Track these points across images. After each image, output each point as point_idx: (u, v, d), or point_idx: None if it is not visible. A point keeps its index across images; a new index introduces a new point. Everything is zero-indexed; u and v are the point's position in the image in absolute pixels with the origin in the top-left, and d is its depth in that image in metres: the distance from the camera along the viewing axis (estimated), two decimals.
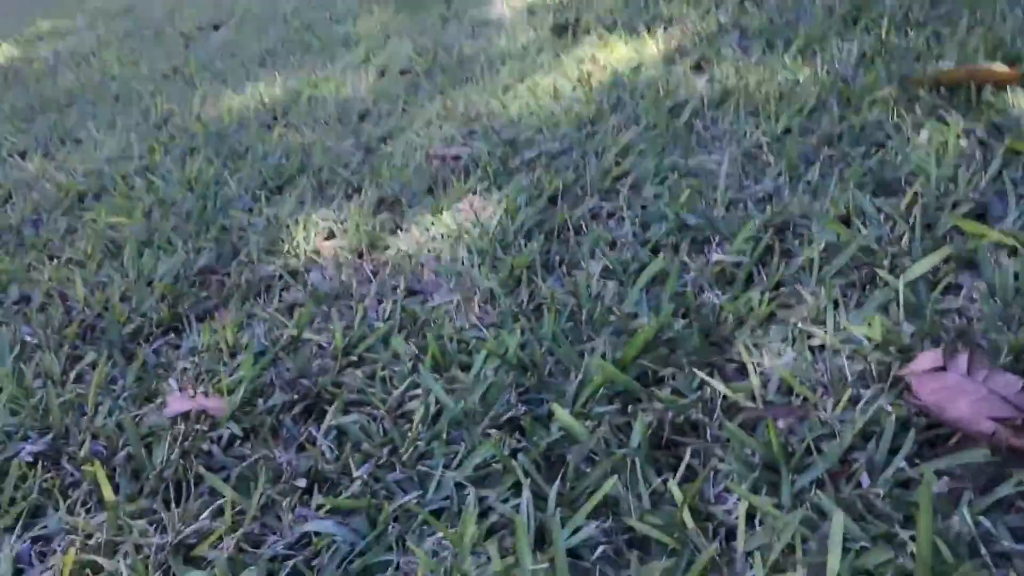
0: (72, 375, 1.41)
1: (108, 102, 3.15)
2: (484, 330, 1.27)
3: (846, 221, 1.32)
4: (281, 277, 1.60)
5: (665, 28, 2.35)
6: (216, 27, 3.94)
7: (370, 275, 1.54)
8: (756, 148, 1.59)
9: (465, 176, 1.80)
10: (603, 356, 1.11)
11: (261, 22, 3.78)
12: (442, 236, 1.58)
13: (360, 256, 1.62)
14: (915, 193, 1.28)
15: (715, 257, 1.28)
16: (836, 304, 1.14)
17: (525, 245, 1.46)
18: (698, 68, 2.07)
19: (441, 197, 1.72)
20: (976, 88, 1.52)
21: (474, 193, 1.72)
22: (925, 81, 1.57)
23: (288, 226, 1.75)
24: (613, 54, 2.24)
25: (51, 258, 1.94)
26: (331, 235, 1.72)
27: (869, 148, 1.48)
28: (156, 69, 3.45)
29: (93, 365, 1.45)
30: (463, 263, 1.47)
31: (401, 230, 1.67)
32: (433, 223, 1.63)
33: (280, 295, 1.54)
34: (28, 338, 1.57)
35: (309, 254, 1.65)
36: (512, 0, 2.97)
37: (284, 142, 2.24)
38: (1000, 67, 1.52)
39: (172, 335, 1.50)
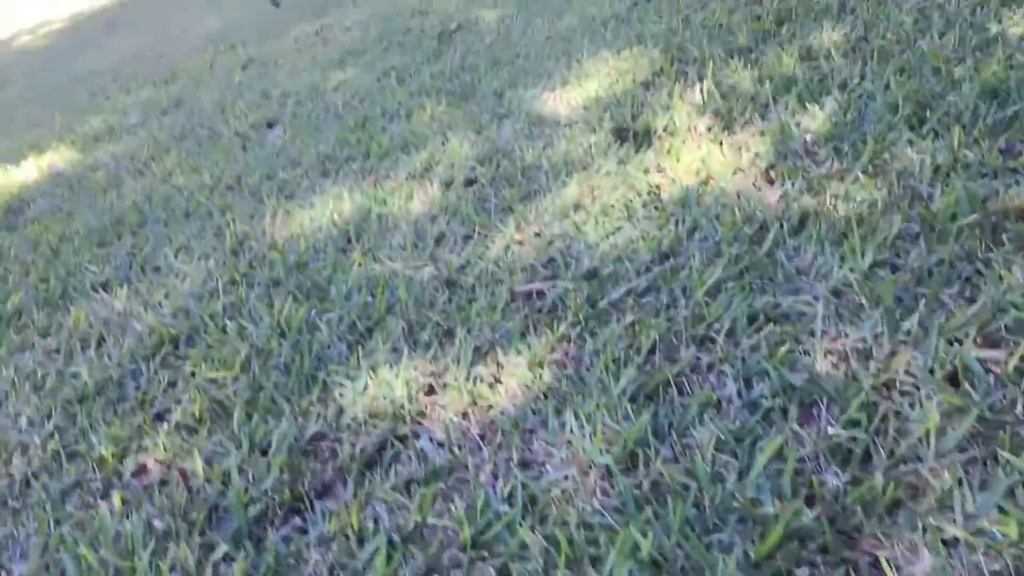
0: (208, 570, 1.47)
1: (178, 219, 3.24)
2: (608, 515, 1.31)
3: (954, 380, 1.34)
4: (391, 445, 1.65)
5: (725, 128, 2.38)
6: (270, 125, 4.03)
7: (479, 441, 1.58)
8: (845, 286, 1.62)
9: (554, 321, 1.84)
10: (736, 558, 1.15)
11: (313, 119, 3.87)
12: (544, 395, 1.62)
13: (465, 416, 1.66)
14: (1021, 355, 1.30)
15: (830, 431, 1.31)
16: (960, 483, 1.17)
17: (631, 408, 1.49)
18: (767, 178, 2.10)
19: (535, 346, 1.77)
20: None
21: (568, 341, 1.76)
22: (1010, 211, 1.59)
23: (388, 382, 1.80)
24: (680, 163, 2.28)
25: (158, 418, 2.01)
26: (431, 390, 1.78)
27: (962, 288, 1.51)
28: (219, 178, 3.54)
29: (225, 556, 1.51)
30: (571, 431, 1.51)
31: (499, 383, 1.72)
32: (533, 380, 1.67)
33: (394, 467, 1.59)
34: (157, 523, 1.63)
35: (414, 416, 1.70)
36: (566, 94, 3.02)
37: (364, 273, 2.30)
38: None
39: (296, 518, 1.56)
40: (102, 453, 1.90)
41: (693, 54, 2.94)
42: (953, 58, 2.27)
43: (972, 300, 1.48)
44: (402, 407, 1.74)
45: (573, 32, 3.72)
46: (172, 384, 2.14)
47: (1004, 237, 1.57)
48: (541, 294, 1.96)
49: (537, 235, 2.23)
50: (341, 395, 1.84)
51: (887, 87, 2.27)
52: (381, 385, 1.81)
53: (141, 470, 1.85)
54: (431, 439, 1.64)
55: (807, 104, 2.31)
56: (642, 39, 3.27)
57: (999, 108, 1.97)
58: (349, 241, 2.58)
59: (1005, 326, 1.39)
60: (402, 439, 1.67)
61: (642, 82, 2.89)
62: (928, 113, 2.07)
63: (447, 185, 2.72)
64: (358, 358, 1.94)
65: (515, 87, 3.30)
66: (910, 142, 1.98)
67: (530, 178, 2.53)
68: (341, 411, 1.79)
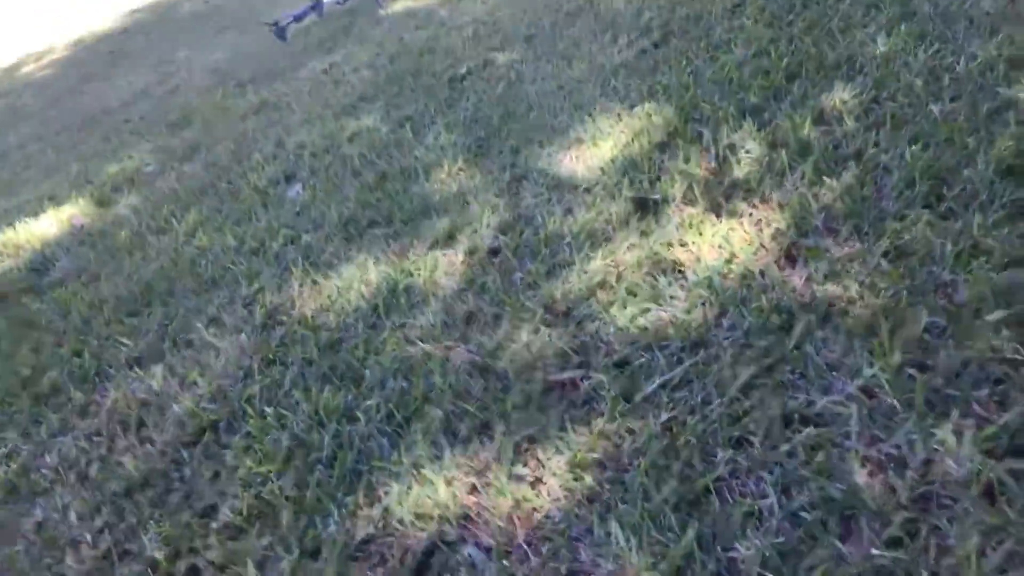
0: None
1: (206, 287, 3.30)
2: None
3: (990, 494, 1.39)
4: (439, 551, 1.71)
5: (744, 199, 2.43)
6: (288, 178, 4.09)
7: (526, 549, 1.64)
8: (876, 387, 1.67)
9: (590, 414, 1.89)
10: None
11: (331, 175, 3.93)
12: (587, 500, 1.68)
13: (509, 519, 1.72)
14: None
15: (873, 551, 1.36)
16: None
17: (675, 519, 1.55)
18: (789, 256, 2.15)
19: (574, 443, 1.82)
20: None
21: (606, 438, 1.81)
22: None
23: (432, 481, 1.86)
24: (702, 237, 2.33)
25: (205, 515, 2.07)
26: (474, 489, 1.83)
27: (992, 390, 1.55)
28: (243, 240, 3.60)
29: None
30: (617, 541, 1.56)
31: (542, 483, 1.77)
32: (575, 481, 1.73)
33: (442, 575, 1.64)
34: None
35: (459, 518, 1.76)
36: (582, 153, 3.07)
37: (397, 355, 2.36)
38: None
39: None
40: (155, 556, 1.96)
41: (707, 112, 2.99)
42: (966, 127, 2.31)
43: (1002, 404, 1.52)
44: (447, 508, 1.79)
45: (584, 82, 3.77)
46: (216, 475, 2.20)
47: None
48: (575, 384, 2.02)
49: (565, 315, 2.29)
50: (386, 494, 1.89)
51: (902, 157, 2.32)
52: (425, 485, 1.86)
53: (195, 574, 1.91)
54: (478, 545, 1.69)
55: (824, 176, 2.36)
56: (654, 93, 3.32)
57: (1016, 187, 2.02)
58: (379, 316, 2.63)
59: None
60: (449, 544, 1.72)
61: (657, 143, 2.94)
62: (945, 190, 2.12)
63: (471, 254, 2.77)
64: (400, 453, 1.99)
65: (530, 144, 3.35)
66: (929, 224, 2.03)
67: (553, 250, 2.58)
68: (387, 512, 1.85)
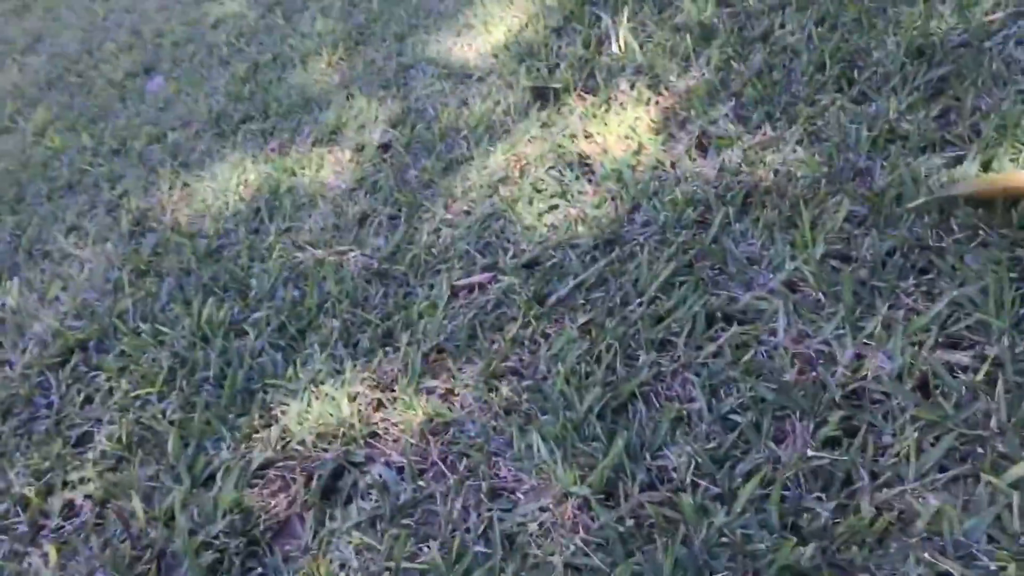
0: None
1: (62, 192, 3.00)
2: (593, 556, 1.28)
3: (924, 389, 1.35)
4: (347, 471, 1.58)
5: (649, 86, 2.31)
6: (148, 72, 3.75)
7: (441, 466, 1.53)
8: (800, 280, 1.60)
9: (502, 321, 1.78)
10: None
11: (197, 65, 3.61)
12: (505, 412, 1.57)
13: (422, 436, 1.60)
14: (992, 361, 1.31)
15: (809, 453, 1.30)
16: (945, 512, 1.18)
17: (600, 428, 1.46)
18: (701, 147, 2.05)
19: (487, 352, 1.71)
20: (1011, 204, 1.54)
21: (520, 345, 1.70)
22: (957, 197, 1.59)
23: (334, 398, 1.72)
24: (607, 128, 2.20)
25: (79, 443, 1.88)
26: (380, 405, 1.70)
27: (919, 281, 1.50)
28: (100, 139, 3.28)
29: None
30: (539, 452, 1.47)
31: (454, 395, 1.66)
32: (490, 393, 1.62)
33: (355, 501, 1.52)
34: None
35: (366, 437, 1.63)
36: (473, 40, 2.88)
37: (286, 262, 2.18)
38: None
39: (256, 566, 1.49)
40: (24, 492, 1.77)
41: None
42: (872, 8, 2.23)
43: (930, 295, 1.48)
44: (352, 426, 1.66)
45: None
46: (88, 400, 2.00)
47: (954, 224, 1.57)
48: (483, 288, 1.89)
49: (467, 213, 2.14)
50: (283, 413, 1.75)
51: (809, 39, 2.23)
52: (326, 402, 1.72)
53: (70, 510, 1.74)
54: (388, 464, 1.58)
55: (731, 61, 2.26)
56: None
57: (929, 69, 1.95)
58: (261, 220, 2.43)
59: (968, 327, 1.40)
60: (357, 465, 1.59)
61: (554, 28, 2.78)
62: (856, 73, 2.05)
63: (359, 151, 2.58)
64: (295, 369, 1.84)
65: (416, 30, 3.14)
66: (842, 108, 1.95)
67: (449, 144, 2.42)
68: (285, 433, 1.71)
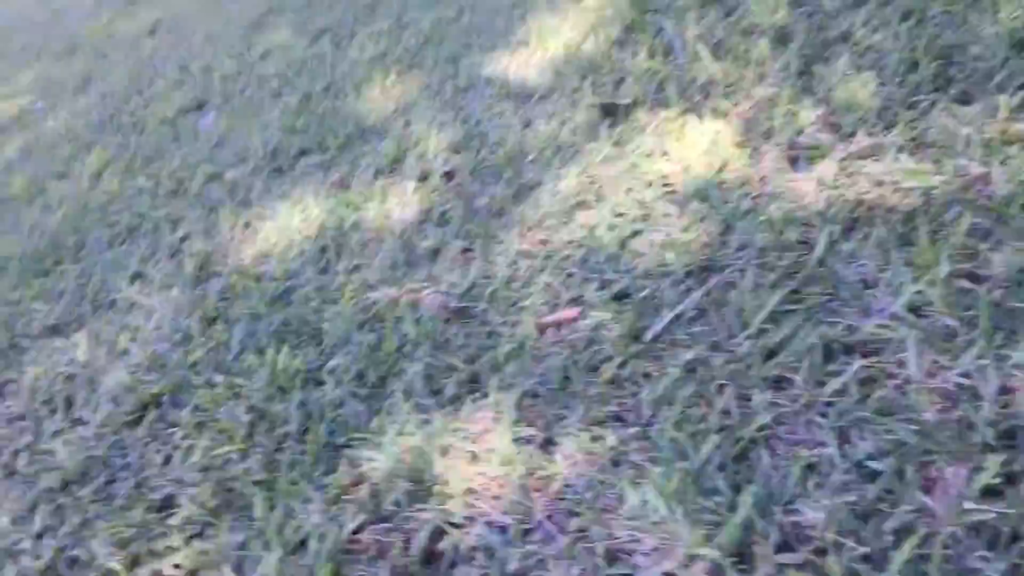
0: None
1: (122, 238, 2.96)
2: None
3: None
4: (446, 535, 1.48)
5: (725, 97, 2.19)
6: (200, 107, 3.70)
7: (550, 527, 1.42)
8: (926, 305, 1.47)
9: (596, 360, 1.67)
10: None
11: (248, 99, 3.56)
12: (611, 464, 1.47)
13: (523, 490, 1.50)
14: None
15: (967, 505, 1.17)
16: None
17: (722, 482, 1.34)
18: (791, 160, 1.93)
19: (583, 396, 1.60)
20: None
21: (619, 386, 1.59)
22: None
23: (424, 452, 1.62)
24: (684, 143, 2.09)
25: (162, 508, 1.81)
26: (474, 458, 1.60)
27: None
28: (157, 180, 3.24)
29: None
30: (656, 508, 1.36)
31: (554, 445, 1.56)
32: (592, 438, 1.51)
33: (457, 566, 1.43)
34: None
35: (463, 495, 1.53)
36: (531, 56, 2.78)
37: (359, 304, 2.09)
38: None
39: None
40: (110, 565, 1.70)
41: (664, 1, 2.71)
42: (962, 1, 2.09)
43: None
44: (447, 483, 1.56)
45: None
46: (167, 460, 1.93)
47: None
48: (573, 320, 1.78)
49: (544, 243, 2.04)
50: (372, 470, 1.66)
51: (896, 37, 2.10)
52: (415, 457, 1.63)
53: None
54: (490, 524, 1.47)
55: (812, 65, 2.13)
56: None
57: None
58: (328, 259, 2.35)
59: None
60: (457, 526, 1.50)
61: (615, 40, 2.67)
62: (954, 71, 1.91)
63: (423, 180, 2.49)
64: (380, 420, 1.75)
65: (470, 50, 3.05)
66: (946, 110, 1.82)
67: (518, 169, 2.32)
68: (376, 494, 1.61)
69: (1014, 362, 1.32)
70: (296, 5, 4.36)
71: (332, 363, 1.95)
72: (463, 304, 1.97)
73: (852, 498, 1.25)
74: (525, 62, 2.79)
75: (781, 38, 2.28)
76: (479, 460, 1.59)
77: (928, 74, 1.93)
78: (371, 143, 2.78)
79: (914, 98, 1.90)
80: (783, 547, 1.24)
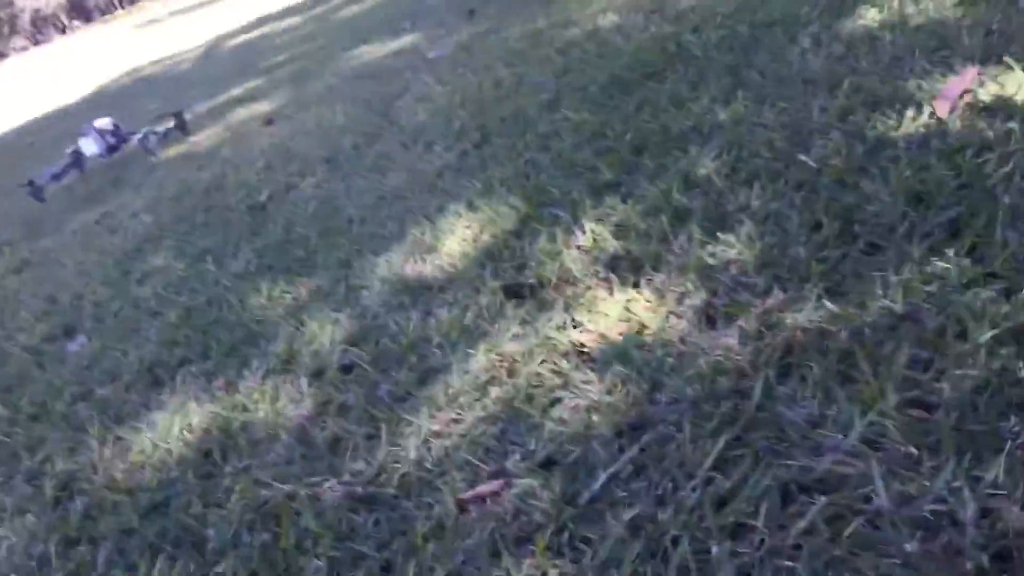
0: None
1: None
2: None
3: None
4: None
5: (631, 270, 2.15)
6: (68, 333, 3.46)
7: None
8: (881, 436, 1.37)
9: (525, 526, 1.48)
10: None
11: (123, 320, 3.35)
12: None
13: None
14: None
15: None
16: None
17: None
18: (709, 320, 1.86)
19: (514, 567, 1.39)
20: None
21: (559, 555, 1.40)
22: None
23: None
24: (599, 315, 2.01)
25: None
26: None
27: (1021, 417, 1.29)
28: (17, 407, 2.94)
29: None
30: None
31: None
32: None
33: None
34: None
35: None
36: (428, 255, 2.71)
37: (249, 505, 1.85)
38: None
39: None
40: None
41: (557, 196, 2.73)
42: (848, 168, 2.15)
43: None
44: None
45: (407, 190, 3.45)
46: None
47: None
48: (496, 495, 1.60)
49: (456, 421, 1.88)
50: None
51: (792, 204, 2.12)
52: None
53: None
54: None
55: (716, 233, 2.12)
56: (490, 187, 3.04)
57: (936, 212, 1.84)
58: (214, 463, 2.11)
59: None
60: None
61: (512, 231, 2.64)
62: (858, 227, 1.92)
63: (318, 375, 2.32)
64: None
65: (362, 255, 2.97)
66: (857, 259, 1.81)
67: (422, 355, 2.18)
68: None
69: (988, 482, 1.21)
70: (177, 233, 4.26)
71: (218, 569, 1.68)
72: (371, 491, 1.75)
73: None
74: (421, 259, 2.72)
75: (680, 215, 2.29)
76: None
77: (833, 231, 1.94)
78: (259, 347, 2.60)
79: (823, 253, 1.88)
80: None
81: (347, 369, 2.28)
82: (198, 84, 9.78)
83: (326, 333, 2.48)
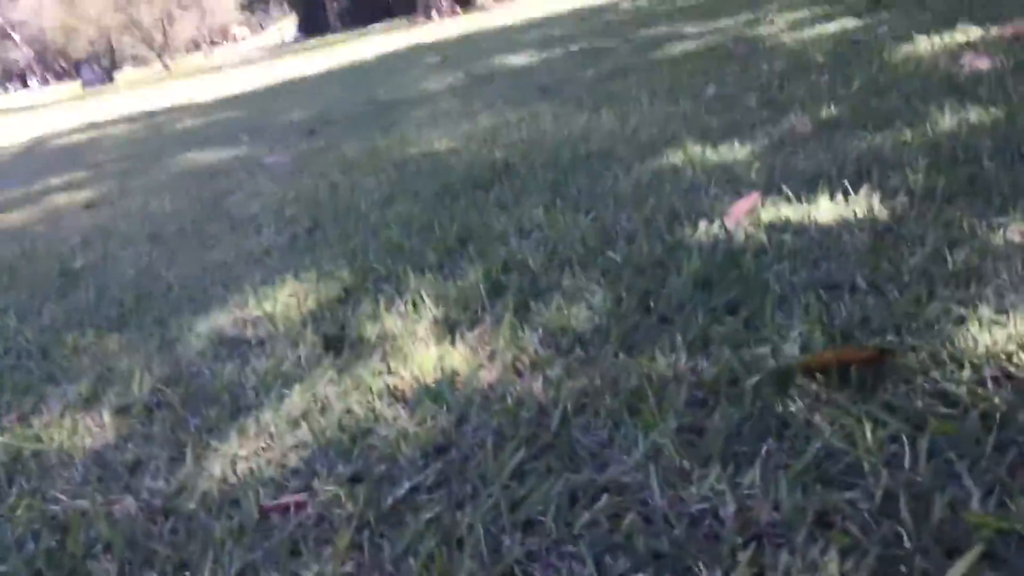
0: None
1: None
2: None
3: (824, 522, 1.27)
4: None
5: (450, 331, 2.28)
6: None
7: None
8: (661, 451, 1.53)
9: (328, 529, 1.53)
10: None
11: None
12: None
13: None
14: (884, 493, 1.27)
15: None
16: None
17: None
18: (517, 372, 2.00)
19: (315, 563, 1.44)
20: (843, 370, 1.60)
21: (360, 549, 1.45)
22: (793, 368, 1.63)
23: None
24: (411, 362, 2.11)
25: None
26: None
27: (780, 441, 1.48)
28: None
29: None
30: None
31: None
32: None
33: None
34: None
35: None
36: (248, 316, 2.75)
37: (36, 516, 1.79)
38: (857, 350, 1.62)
39: None
40: None
41: (383, 273, 2.86)
42: (649, 262, 2.40)
43: (795, 450, 1.45)
44: None
45: (232, 264, 3.49)
46: None
47: (793, 393, 1.60)
48: (301, 506, 1.64)
49: (266, 448, 1.91)
50: None
51: (599, 283, 2.34)
52: None
53: None
54: None
55: (528, 302, 2.30)
56: (318, 264, 3.14)
57: (720, 295, 2.09)
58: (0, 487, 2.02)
59: (845, 467, 1.37)
60: None
61: (336, 298, 2.73)
62: (652, 303, 2.14)
63: (122, 412, 2.29)
64: None
65: (180, 313, 2.97)
66: (649, 326, 2.02)
67: (235, 395, 2.20)
68: None
69: (746, 486, 1.38)
70: None
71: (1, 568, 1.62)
72: (170, 505, 1.75)
73: None
74: (240, 318, 2.76)
75: (497, 289, 2.46)
76: None
77: (631, 306, 2.14)
78: (60, 386, 2.53)
79: (622, 321, 2.08)
80: None
81: (152, 408, 2.26)
82: (14, 175, 9.44)
83: (135, 376, 2.45)
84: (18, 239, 5.34)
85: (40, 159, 11.26)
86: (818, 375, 1.61)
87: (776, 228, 2.43)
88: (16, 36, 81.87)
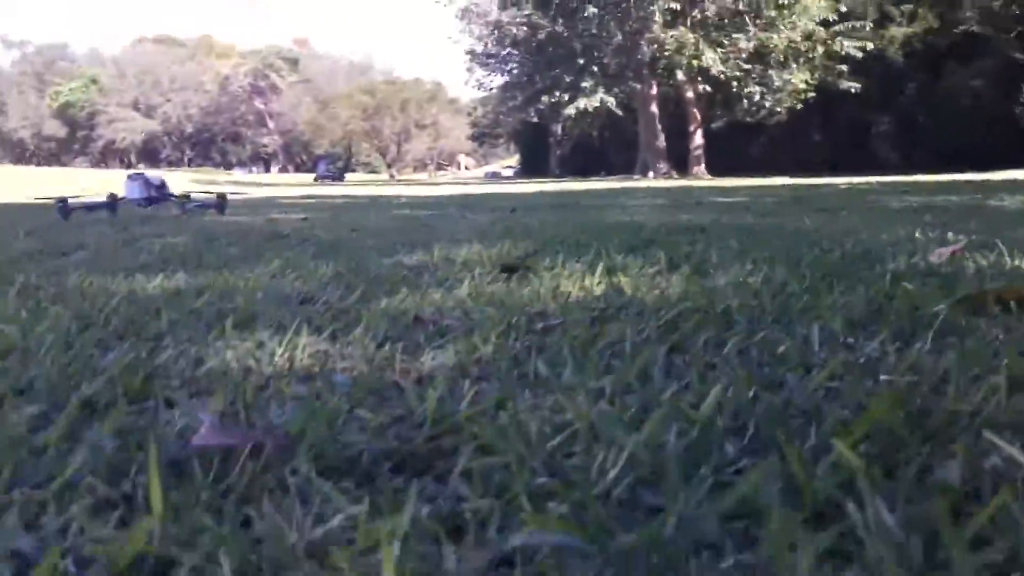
0: None
1: None
2: None
3: None
4: None
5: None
6: None
7: None
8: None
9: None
10: None
11: None
12: None
13: None
14: None
15: None
16: None
17: None
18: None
19: None
20: None
21: None
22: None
23: None
24: (571, 281, 2.16)
25: None
26: None
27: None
28: None
29: None
30: None
31: None
32: None
33: None
34: None
35: None
36: (431, 256, 2.88)
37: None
38: None
39: None
40: None
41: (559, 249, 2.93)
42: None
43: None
44: None
45: (426, 241, 3.67)
46: None
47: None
48: (438, 324, 1.69)
49: (429, 304, 1.99)
50: None
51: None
52: None
53: None
54: None
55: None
56: (505, 240, 3.26)
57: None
58: None
59: None
60: None
61: (515, 256, 2.83)
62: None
63: (305, 280, 2.43)
64: None
65: (368, 256, 3.14)
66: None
67: (409, 281, 2.31)
68: None
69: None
70: None
71: None
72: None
73: None
74: (423, 259, 2.89)
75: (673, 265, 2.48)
76: None
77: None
78: (256, 268, 2.73)
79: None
80: None
81: (330, 279, 2.40)
82: (246, 210, 10.27)
83: (319, 269, 2.61)
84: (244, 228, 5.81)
85: (271, 205, 12.24)
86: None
87: None
88: (271, 124, 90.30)
